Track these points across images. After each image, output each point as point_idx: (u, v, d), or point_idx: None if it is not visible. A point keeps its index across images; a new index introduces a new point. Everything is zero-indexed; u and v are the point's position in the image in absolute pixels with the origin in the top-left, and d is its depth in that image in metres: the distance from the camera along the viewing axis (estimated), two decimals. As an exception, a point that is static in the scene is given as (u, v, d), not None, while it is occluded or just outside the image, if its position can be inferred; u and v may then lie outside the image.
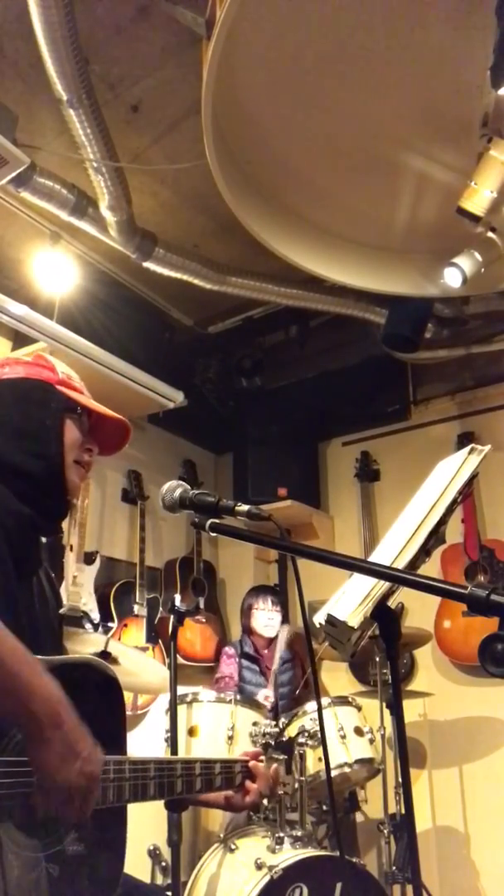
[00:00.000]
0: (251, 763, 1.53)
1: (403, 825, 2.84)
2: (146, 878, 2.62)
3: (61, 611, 1.41)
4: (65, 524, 3.39)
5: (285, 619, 3.65)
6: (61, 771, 0.99)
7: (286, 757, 1.65)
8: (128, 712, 3.59)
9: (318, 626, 1.40)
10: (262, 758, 1.59)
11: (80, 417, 1.45)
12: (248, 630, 3.62)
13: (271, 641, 3.58)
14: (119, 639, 3.37)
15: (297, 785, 2.64)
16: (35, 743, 0.99)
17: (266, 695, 3.33)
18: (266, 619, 3.54)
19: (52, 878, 1.08)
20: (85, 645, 2.38)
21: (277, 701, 3.41)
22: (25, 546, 1.30)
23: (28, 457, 1.34)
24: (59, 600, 1.44)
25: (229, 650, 3.65)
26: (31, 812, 1.04)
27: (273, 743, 1.65)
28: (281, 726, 2.76)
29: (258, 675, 3.50)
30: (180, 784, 1.34)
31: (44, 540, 1.47)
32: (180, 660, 3.34)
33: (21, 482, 1.31)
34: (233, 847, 2.47)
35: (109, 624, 3.40)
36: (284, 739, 1.63)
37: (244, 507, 1.26)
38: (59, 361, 1.53)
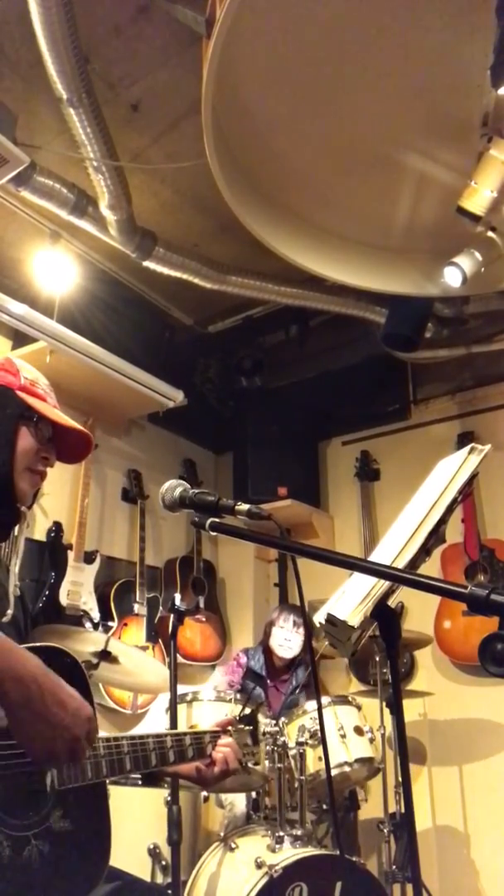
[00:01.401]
0: (218, 742, 1.55)
1: (403, 825, 2.84)
2: (146, 877, 2.62)
3: (9, 611, 1.40)
4: (65, 523, 3.39)
5: (307, 640, 3.35)
6: (42, 742, 1.03)
7: (251, 727, 1.68)
8: (128, 711, 3.59)
9: (318, 625, 1.40)
10: (231, 728, 1.61)
11: (38, 425, 1.43)
12: (265, 648, 3.48)
13: (291, 663, 3.42)
14: (119, 638, 3.37)
15: (297, 784, 2.64)
16: (14, 722, 1.02)
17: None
18: (282, 638, 3.37)
19: (43, 855, 1.12)
20: (85, 644, 2.38)
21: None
22: None
23: None
24: (9, 603, 1.43)
25: (241, 657, 3.51)
26: (15, 791, 1.08)
27: (237, 717, 1.68)
28: (281, 726, 2.76)
29: (261, 690, 3.38)
30: (154, 757, 1.38)
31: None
32: (180, 659, 3.34)
33: None
34: (233, 846, 2.47)
35: (109, 623, 3.40)
36: (248, 712, 1.66)
37: (244, 507, 1.26)
38: (27, 366, 1.51)
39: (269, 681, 3.43)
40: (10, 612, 1.39)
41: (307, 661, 3.48)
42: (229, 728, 1.61)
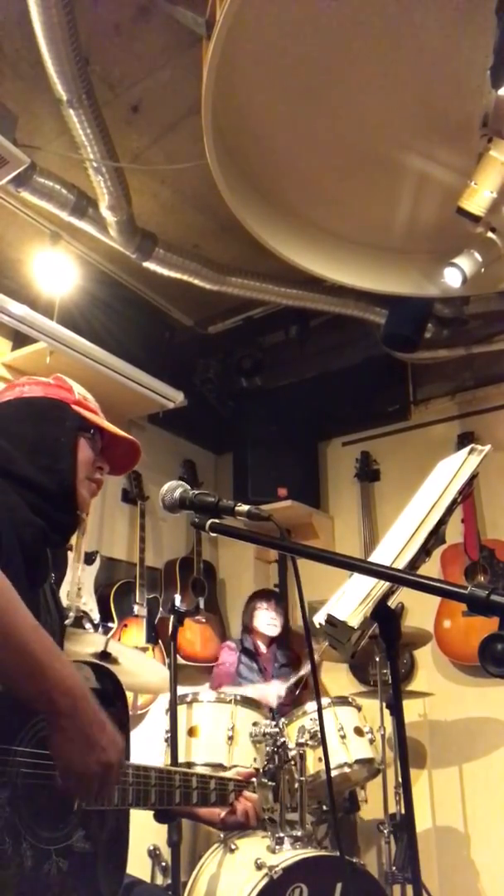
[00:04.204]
0: (244, 794, 1.57)
1: (403, 825, 2.84)
2: (146, 878, 2.62)
3: (67, 622, 1.43)
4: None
5: (286, 622, 3.72)
6: (78, 759, 1.03)
7: (274, 784, 1.68)
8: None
9: (318, 626, 1.40)
10: (254, 780, 1.62)
11: (94, 437, 1.49)
12: (248, 628, 3.66)
13: (272, 641, 3.61)
14: (119, 639, 3.37)
15: (297, 785, 2.64)
16: (54, 731, 1.03)
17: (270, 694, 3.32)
18: (269, 618, 3.60)
19: (62, 872, 1.12)
20: (85, 645, 2.38)
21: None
22: (37, 557, 1.33)
23: (42, 472, 1.38)
24: (62, 611, 1.46)
25: (231, 643, 3.69)
26: (45, 804, 1.08)
27: (262, 769, 1.69)
28: (281, 727, 2.75)
29: (255, 673, 3.51)
30: (178, 795, 1.39)
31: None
32: (180, 660, 3.34)
33: (34, 496, 1.34)
34: (233, 847, 2.47)
35: (109, 624, 3.40)
36: (272, 767, 1.69)
37: (244, 508, 1.26)
38: (76, 384, 1.57)
39: (260, 659, 3.58)
40: (71, 614, 1.42)
41: (289, 649, 3.65)
42: (252, 781, 1.62)
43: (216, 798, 1.50)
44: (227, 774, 1.60)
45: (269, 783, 1.66)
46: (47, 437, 1.42)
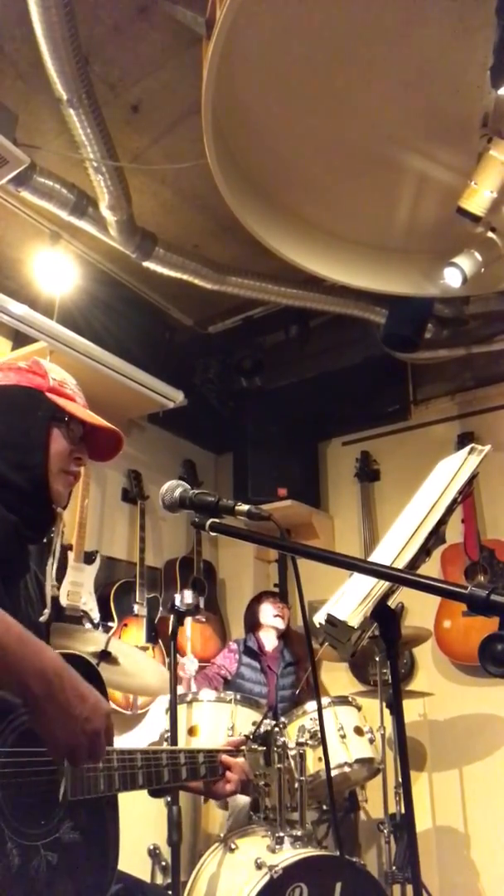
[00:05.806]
0: (223, 758, 1.56)
1: (403, 825, 2.84)
2: (146, 878, 2.62)
3: (42, 618, 1.41)
4: (65, 523, 3.38)
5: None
6: (63, 736, 1.04)
7: (264, 748, 1.68)
8: (128, 712, 3.58)
9: (318, 625, 1.40)
10: (244, 748, 1.61)
11: (69, 425, 1.43)
12: (253, 626, 3.65)
13: (278, 639, 3.60)
14: (119, 638, 3.37)
15: (297, 784, 2.64)
16: (35, 714, 1.04)
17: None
18: (273, 612, 3.59)
19: (51, 866, 1.11)
20: (86, 643, 2.37)
21: (277, 703, 3.40)
22: (11, 552, 1.31)
23: (11, 468, 1.33)
24: (45, 603, 1.44)
25: (232, 644, 3.67)
26: (28, 801, 1.08)
27: (251, 736, 1.68)
28: (281, 726, 2.75)
29: (258, 673, 3.50)
30: (167, 773, 1.38)
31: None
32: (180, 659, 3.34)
33: (5, 492, 1.31)
34: (233, 847, 2.47)
35: (109, 624, 3.40)
36: (262, 732, 1.68)
37: (244, 507, 1.26)
38: (54, 367, 1.50)
39: (263, 658, 3.56)
40: (46, 611, 1.41)
41: (294, 648, 3.64)
42: (242, 748, 1.61)
43: (206, 771, 1.50)
44: (217, 746, 1.59)
45: (260, 748, 1.65)
46: (18, 429, 1.37)
